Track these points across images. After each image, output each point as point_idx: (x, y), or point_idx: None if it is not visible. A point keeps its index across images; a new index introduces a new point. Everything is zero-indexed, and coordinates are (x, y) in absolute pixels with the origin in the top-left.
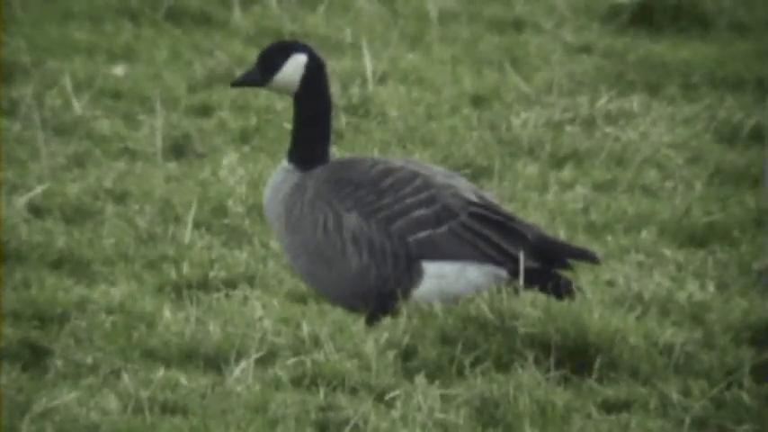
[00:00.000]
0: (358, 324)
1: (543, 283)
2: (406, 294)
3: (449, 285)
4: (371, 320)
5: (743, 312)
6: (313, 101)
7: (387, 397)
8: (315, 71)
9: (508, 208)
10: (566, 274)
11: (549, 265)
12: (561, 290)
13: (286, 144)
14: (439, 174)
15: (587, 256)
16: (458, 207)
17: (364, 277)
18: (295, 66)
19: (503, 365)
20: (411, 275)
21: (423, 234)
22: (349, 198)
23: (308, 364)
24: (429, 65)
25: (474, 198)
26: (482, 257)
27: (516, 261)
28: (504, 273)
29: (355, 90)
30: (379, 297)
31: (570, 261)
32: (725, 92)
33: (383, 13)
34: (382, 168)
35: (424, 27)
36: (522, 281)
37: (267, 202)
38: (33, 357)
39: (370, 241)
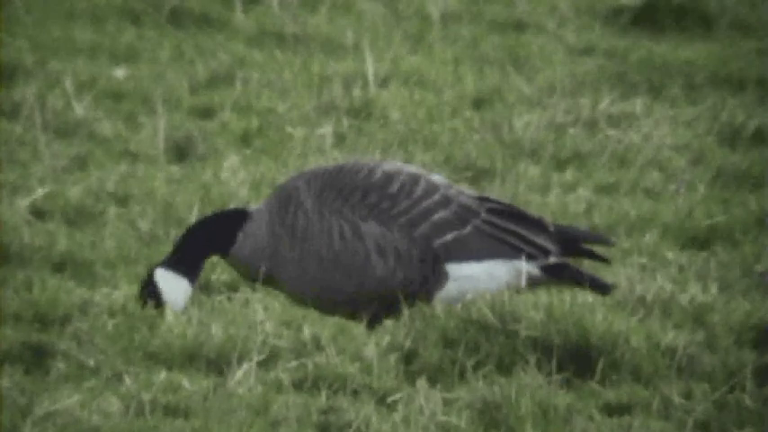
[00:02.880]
0: (359, 327)
1: (577, 280)
2: (431, 297)
3: (477, 285)
4: (373, 323)
5: (745, 314)
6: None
7: (388, 400)
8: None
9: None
10: (591, 266)
11: (569, 252)
12: (597, 285)
13: (287, 146)
14: (425, 172)
15: (601, 240)
16: (475, 204)
17: (389, 282)
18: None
19: (505, 368)
20: (438, 278)
21: (449, 236)
22: (361, 205)
23: (310, 366)
24: (431, 66)
25: (475, 194)
26: (512, 252)
27: (547, 252)
28: (532, 267)
29: (357, 92)
30: (397, 301)
31: (588, 247)
32: (727, 93)
33: (385, 14)
34: (383, 173)
35: (425, 28)
36: (531, 275)
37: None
38: (35, 360)
39: (396, 249)
